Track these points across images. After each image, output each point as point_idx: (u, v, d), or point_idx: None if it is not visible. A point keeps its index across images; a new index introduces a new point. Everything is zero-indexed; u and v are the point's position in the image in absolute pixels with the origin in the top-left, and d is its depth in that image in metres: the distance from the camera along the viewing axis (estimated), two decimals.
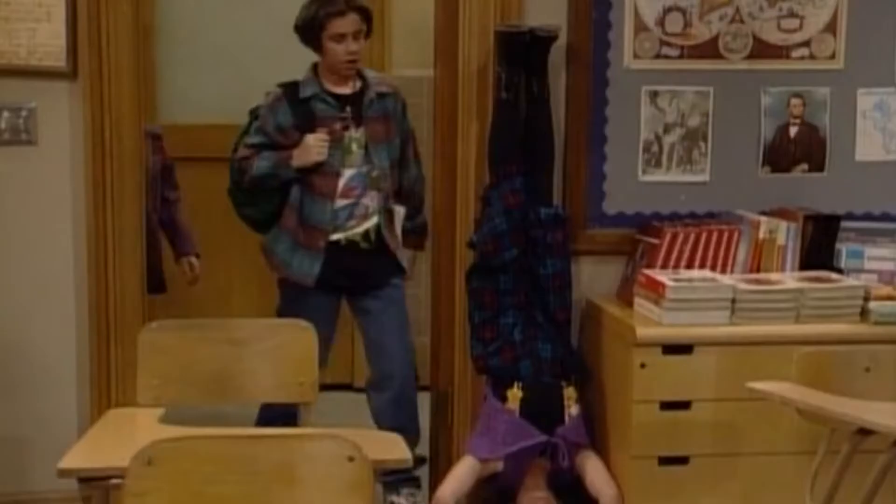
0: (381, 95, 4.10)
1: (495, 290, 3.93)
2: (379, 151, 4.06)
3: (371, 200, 4.07)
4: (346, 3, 3.98)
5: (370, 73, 4.19)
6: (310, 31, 4.01)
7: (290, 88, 4.07)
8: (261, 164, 4.03)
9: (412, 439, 4.04)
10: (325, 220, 4.03)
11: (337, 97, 4.06)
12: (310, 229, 4.04)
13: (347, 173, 4.04)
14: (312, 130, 4.01)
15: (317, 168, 4.00)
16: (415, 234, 4.29)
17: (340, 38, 3.98)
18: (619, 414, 3.78)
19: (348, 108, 4.04)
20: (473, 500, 3.88)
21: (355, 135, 4.04)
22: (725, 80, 4.06)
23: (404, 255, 4.22)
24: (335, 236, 4.05)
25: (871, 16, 4.08)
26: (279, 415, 3.54)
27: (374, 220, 4.08)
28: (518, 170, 3.91)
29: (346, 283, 4.12)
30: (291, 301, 4.11)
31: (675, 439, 3.65)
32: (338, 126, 4.02)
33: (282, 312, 4.12)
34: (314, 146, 3.97)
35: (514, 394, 3.84)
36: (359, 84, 4.10)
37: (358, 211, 4.06)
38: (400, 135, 4.16)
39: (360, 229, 4.07)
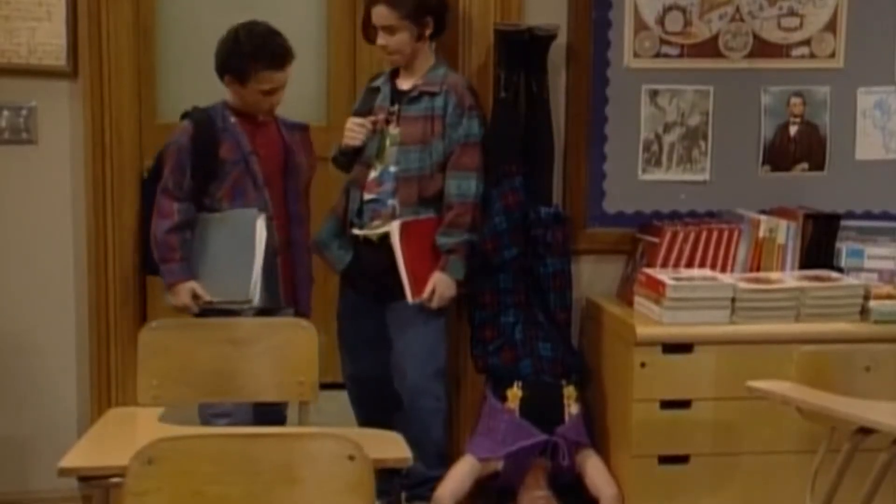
0: (428, 94, 3.81)
1: (495, 290, 3.92)
2: (408, 153, 3.80)
3: (398, 203, 3.81)
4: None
5: (439, 71, 3.86)
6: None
7: (374, 77, 4.07)
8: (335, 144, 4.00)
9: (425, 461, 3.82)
10: (354, 211, 3.88)
11: (395, 91, 3.91)
12: (347, 219, 3.92)
13: (379, 168, 3.85)
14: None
15: (360, 157, 3.89)
16: (452, 253, 3.79)
17: (373, 30, 3.86)
18: (619, 413, 3.78)
19: (396, 105, 3.87)
20: (473, 500, 3.87)
21: (392, 131, 3.86)
22: (725, 79, 4.06)
23: (407, 278, 3.78)
24: (357, 231, 3.88)
25: (871, 15, 4.09)
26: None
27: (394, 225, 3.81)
28: (517, 169, 3.90)
29: (366, 284, 3.91)
30: (340, 295, 4.04)
31: (676, 438, 3.65)
32: (381, 118, 3.88)
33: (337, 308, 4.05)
34: (349, 128, 3.88)
35: (514, 393, 3.84)
36: (421, 80, 3.85)
37: (385, 211, 3.82)
38: (446, 138, 3.80)
39: (380, 230, 3.82)
